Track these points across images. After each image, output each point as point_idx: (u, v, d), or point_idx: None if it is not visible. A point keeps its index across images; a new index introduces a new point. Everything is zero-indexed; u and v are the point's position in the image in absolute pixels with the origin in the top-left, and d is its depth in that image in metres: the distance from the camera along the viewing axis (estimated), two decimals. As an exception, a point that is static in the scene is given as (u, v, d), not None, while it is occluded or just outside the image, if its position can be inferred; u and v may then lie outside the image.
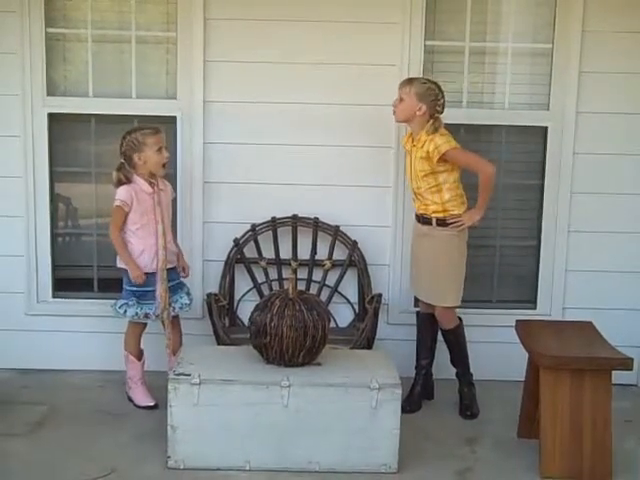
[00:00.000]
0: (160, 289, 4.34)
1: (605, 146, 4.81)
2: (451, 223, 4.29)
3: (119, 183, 4.29)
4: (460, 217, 4.30)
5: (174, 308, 4.42)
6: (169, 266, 4.39)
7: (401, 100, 4.30)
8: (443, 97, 4.29)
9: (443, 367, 4.58)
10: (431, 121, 4.25)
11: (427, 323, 4.54)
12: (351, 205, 4.87)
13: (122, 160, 4.31)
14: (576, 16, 4.68)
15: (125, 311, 4.34)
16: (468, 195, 4.38)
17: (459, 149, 4.25)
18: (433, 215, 4.32)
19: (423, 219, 4.38)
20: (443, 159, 4.20)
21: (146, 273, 4.32)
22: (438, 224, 4.32)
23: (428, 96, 4.24)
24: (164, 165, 4.36)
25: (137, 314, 4.35)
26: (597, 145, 4.81)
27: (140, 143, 4.26)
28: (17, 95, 4.72)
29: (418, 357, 4.60)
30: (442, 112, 4.30)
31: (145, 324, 4.46)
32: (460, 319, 4.48)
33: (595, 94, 4.76)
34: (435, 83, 4.32)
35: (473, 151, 4.36)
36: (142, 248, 4.32)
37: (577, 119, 4.78)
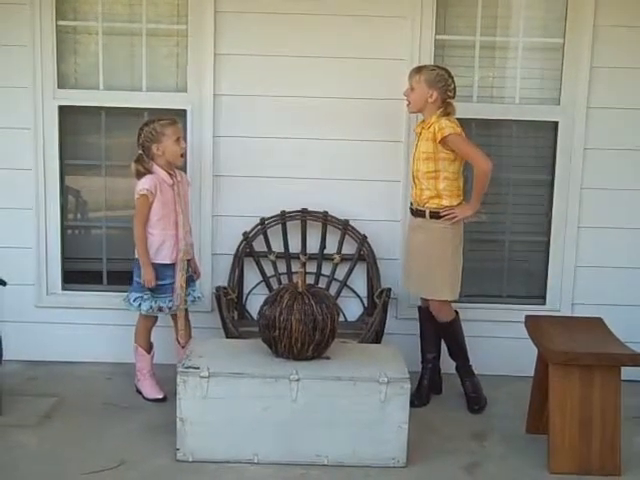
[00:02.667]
0: (180, 280, 4.35)
1: (616, 141, 4.79)
2: (444, 215, 4.29)
3: (138, 174, 4.30)
4: (453, 209, 4.30)
5: (186, 301, 4.43)
6: (187, 257, 4.41)
7: (412, 89, 4.30)
8: (453, 82, 4.30)
9: (451, 362, 4.57)
10: (443, 107, 4.26)
11: (429, 317, 4.52)
12: (360, 199, 4.87)
13: (140, 151, 4.31)
14: (588, 10, 4.66)
15: (140, 304, 4.35)
16: (465, 188, 4.38)
17: (462, 136, 4.24)
18: (427, 206, 4.31)
19: (417, 212, 4.38)
20: (444, 142, 4.20)
21: (164, 265, 4.35)
22: (431, 216, 4.31)
23: (438, 82, 4.25)
24: (182, 155, 4.38)
25: (151, 307, 4.36)
26: (608, 140, 4.79)
27: (159, 134, 4.26)
28: (28, 87, 4.73)
29: (423, 351, 4.60)
30: (454, 97, 4.31)
31: (157, 317, 4.47)
32: (456, 312, 4.48)
33: (606, 89, 4.74)
34: (444, 69, 4.33)
35: (479, 145, 4.35)
36: (162, 239, 4.33)
37: (588, 114, 4.76)
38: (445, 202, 4.29)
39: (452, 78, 4.30)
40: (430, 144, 4.25)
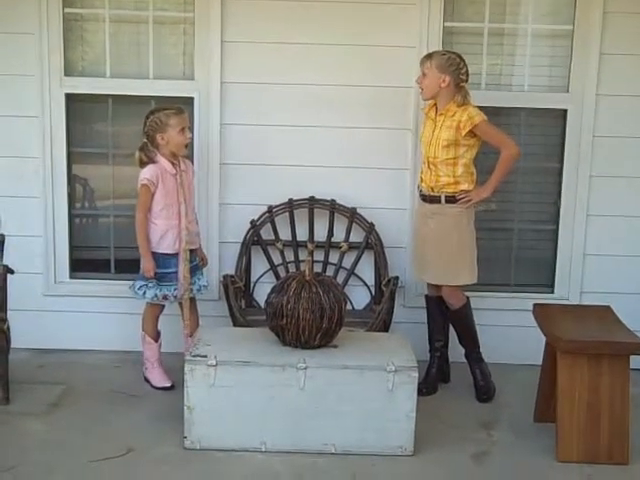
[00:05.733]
0: (183, 270, 4.35)
1: (625, 129, 4.77)
2: (460, 199, 4.28)
3: (142, 163, 4.29)
4: (468, 193, 4.29)
5: (192, 290, 4.43)
6: (191, 247, 4.40)
7: (424, 76, 4.29)
8: (465, 65, 4.28)
9: (459, 350, 4.56)
10: (458, 96, 4.24)
11: (437, 305, 4.52)
12: (368, 187, 4.85)
13: (145, 140, 4.30)
14: (597, -3, 4.64)
15: (144, 292, 4.34)
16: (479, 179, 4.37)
17: (489, 122, 4.25)
18: (442, 191, 4.30)
19: (431, 198, 4.36)
20: (472, 131, 4.20)
21: (168, 254, 4.34)
22: (447, 201, 4.30)
23: (449, 66, 4.23)
24: (186, 146, 4.37)
25: (156, 295, 4.36)
26: (617, 128, 4.76)
27: (163, 123, 4.25)
28: (35, 76, 4.72)
29: (431, 340, 4.59)
30: (467, 80, 4.29)
31: (163, 306, 4.48)
32: (467, 297, 4.46)
33: (615, 76, 4.71)
34: (455, 53, 4.31)
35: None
36: (166, 229, 4.33)
37: (597, 101, 4.73)
38: (463, 187, 4.29)
39: (464, 61, 4.27)
40: (453, 132, 4.23)
